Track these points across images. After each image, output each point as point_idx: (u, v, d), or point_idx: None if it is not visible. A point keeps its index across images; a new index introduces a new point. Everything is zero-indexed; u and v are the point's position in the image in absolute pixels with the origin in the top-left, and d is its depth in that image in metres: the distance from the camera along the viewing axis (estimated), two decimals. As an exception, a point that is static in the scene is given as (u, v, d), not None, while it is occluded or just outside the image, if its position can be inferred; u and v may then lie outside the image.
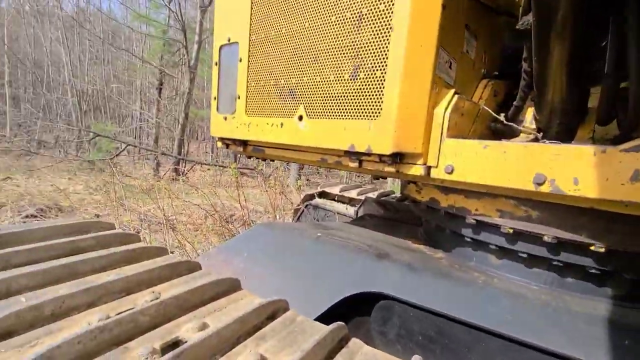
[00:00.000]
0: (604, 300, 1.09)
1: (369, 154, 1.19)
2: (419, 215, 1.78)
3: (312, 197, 3.95)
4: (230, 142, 1.83)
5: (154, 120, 16.07)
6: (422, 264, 1.32)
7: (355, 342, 0.92)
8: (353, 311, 1.35)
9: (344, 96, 1.22)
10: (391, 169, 1.17)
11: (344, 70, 1.22)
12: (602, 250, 0.99)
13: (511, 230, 1.12)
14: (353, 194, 3.67)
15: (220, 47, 1.75)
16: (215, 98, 1.81)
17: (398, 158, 1.14)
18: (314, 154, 1.46)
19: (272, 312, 0.99)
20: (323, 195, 3.89)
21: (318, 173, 19.33)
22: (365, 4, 1.13)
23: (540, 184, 0.91)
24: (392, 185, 11.98)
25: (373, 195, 3.50)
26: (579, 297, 1.11)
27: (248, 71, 1.60)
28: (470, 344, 1.10)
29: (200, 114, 17.62)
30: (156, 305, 0.91)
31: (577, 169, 0.86)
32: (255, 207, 6.76)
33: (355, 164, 1.26)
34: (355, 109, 1.19)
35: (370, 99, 1.14)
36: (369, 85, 1.15)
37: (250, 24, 1.57)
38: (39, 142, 19.05)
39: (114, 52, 21.34)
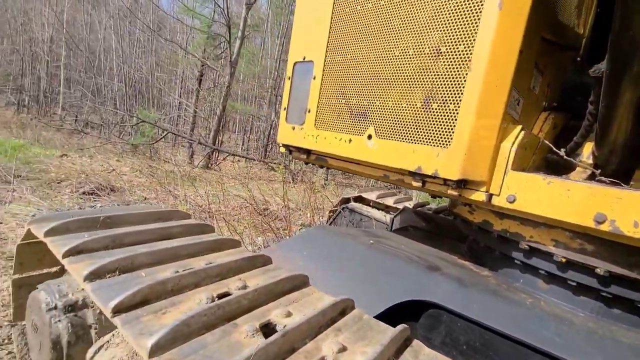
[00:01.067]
0: (651, 334, 1.17)
1: (434, 177, 1.32)
2: (462, 232, 1.89)
3: (348, 200, 4.09)
4: (294, 150, 2.01)
5: (191, 110, 16.81)
6: (471, 280, 1.43)
7: (417, 342, 1.06)
8: (401, 317, 1.49)
9: (415, 122, 1.36)
10: (454, 193, 1.30)
11: (416, 98, 1.36)
12: (654, 287, 1.07)
13: (564, 260, 1.22)
14: (390, 201, 3.78)
15: (295, 64, 1.93)
16: (285, 109, 1.99)
17: (462, 184, 1.27)
18: (378, 169, 1.60)
19: (343, 308, 1.16)
20: (359, 199, 4.03)
21: (344, 174, 19.41)
22: (444, 43, 1.26)
23: (600, 223, 1.01)
24: (419, 195, 11.90)
25: (409, 204, 3.59)
26: (626, 328, 1.18)
27: (321, 88, 1.77)
28: (514, 359, 1.21)
29: (235, 106, 18.19)
30: (252, 292, 1.09)
31: (638, 213, 0.95)
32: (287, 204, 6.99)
33: (418, 184, 1.40)
34: (425, 136, 1.32)
35: (442, 128, 1.27)
36: (441, 115, 1.28)
37: (327, 47, 1.73)
38: (86, 122, 20.43)
39: (160, 42, 22.43)
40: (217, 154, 15.03)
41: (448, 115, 1.25)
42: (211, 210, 5.04)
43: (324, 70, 1.75)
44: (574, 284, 1.25)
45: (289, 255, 1.75)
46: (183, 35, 21.08)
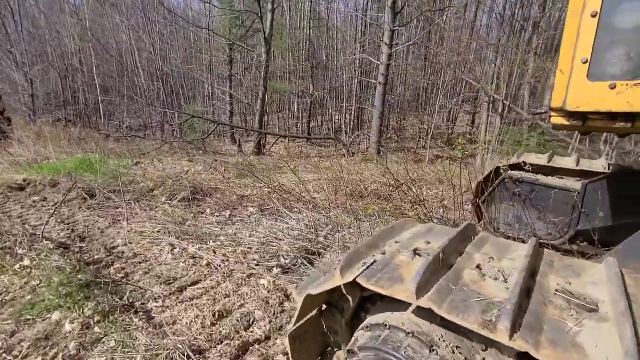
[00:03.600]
0: None
1: None
2: None
3: (505, 169, 3.46)
4: (598, 117, 1.44)
5: (228, 98, 16.44)
6: None
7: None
8: None
9: None
10: None
11: None
12: None
13: None
14: (569, 163, 3.15)
15: (606, -9, 1.32)
16: (585, 62, 1.41)
17: None
18: None
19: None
20: (517, 167, 3.41)
21: (407, 141, 18.50)
22: None
23: None
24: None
25: (604, 164, 2.95)
26: None
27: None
28: None
29: (275, 86, 17.57)
30: None
31: None
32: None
33: None
34: None
35: None
36: None
37: None
38: (129, 127, 20.81)
39: (182, 34, 21.89)
40: (265, 138, 14.72)
41: None
42: (337, 202, 4.68)
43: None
44: None
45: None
46: (205, 19, 20.37)
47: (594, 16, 1.37)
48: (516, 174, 3.29)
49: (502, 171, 3.42)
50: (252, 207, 5.02)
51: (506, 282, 1.00)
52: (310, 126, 18.66)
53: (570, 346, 0.76)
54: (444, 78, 14.04)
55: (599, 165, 3.00)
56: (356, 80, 16.27)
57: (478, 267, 1.11)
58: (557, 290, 0.99)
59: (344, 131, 17.00)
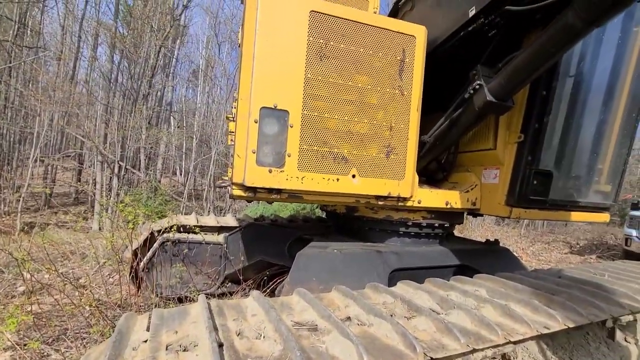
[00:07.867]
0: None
1: (392, 197, 2.29)
2: (354, 227, 2.94)
3: (160, 232, 3.51)
4: (263, 191, 2.05)
5: None
6: (396, 250, 2.58)
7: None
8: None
9: (384, 166, 2.22)
10: (400, 203, 2.35)
11: (381, 152, 2.22)
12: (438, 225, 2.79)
13: (425, 224, 2.68)
14: (211, 221, 3.83)
15: (262, 108, 1.97)
16: (253, 152, 1.95)
17: (404, 198, 2.34)
18: (351, 197, 2.26)
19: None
20: (178, 229, 3.59)
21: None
22: (394, 120, 2.23)
23: (447, 205, 2.52)
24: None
25: (235, 220, 3.90)
26: (428, 244, 2.86)
27: (300, 136, 2.04)
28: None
29: None
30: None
31: (455, 199, 2.55)
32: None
33: (382, 202, 2.29)
34: (390, 173, 2.24)
35: (399, 169, 2.25)
36: (397, 162, 2.26)
37: (303, 102, 2.03)
38: None
39: None
40: None
41: (401, 162, 2.26)
42: None
43: (302, 121, 2.04)
44: (423, 233, 2.77)
45: (308, 286, 1.94)
46: None
47: (256, 122, 1.96)
48: (173, 236, 3.48)
49: (157, 235, 3.47)
50: None
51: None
52: None
53: None
54: (40, 127, 11.58)
55: (230, 220, 3.95)
56: None
57: (240, 335, 1.17)
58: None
59: None
